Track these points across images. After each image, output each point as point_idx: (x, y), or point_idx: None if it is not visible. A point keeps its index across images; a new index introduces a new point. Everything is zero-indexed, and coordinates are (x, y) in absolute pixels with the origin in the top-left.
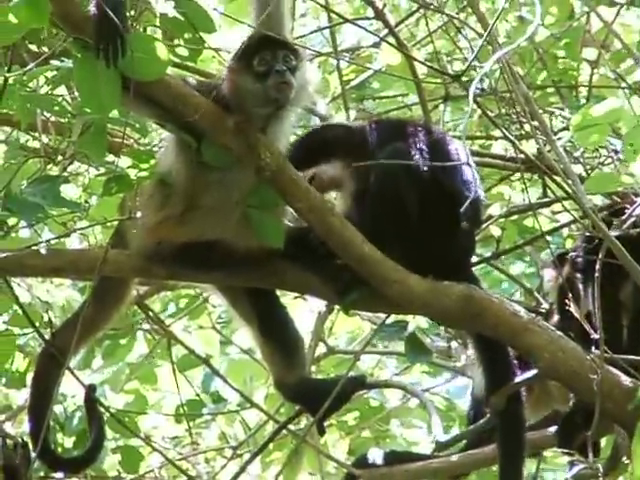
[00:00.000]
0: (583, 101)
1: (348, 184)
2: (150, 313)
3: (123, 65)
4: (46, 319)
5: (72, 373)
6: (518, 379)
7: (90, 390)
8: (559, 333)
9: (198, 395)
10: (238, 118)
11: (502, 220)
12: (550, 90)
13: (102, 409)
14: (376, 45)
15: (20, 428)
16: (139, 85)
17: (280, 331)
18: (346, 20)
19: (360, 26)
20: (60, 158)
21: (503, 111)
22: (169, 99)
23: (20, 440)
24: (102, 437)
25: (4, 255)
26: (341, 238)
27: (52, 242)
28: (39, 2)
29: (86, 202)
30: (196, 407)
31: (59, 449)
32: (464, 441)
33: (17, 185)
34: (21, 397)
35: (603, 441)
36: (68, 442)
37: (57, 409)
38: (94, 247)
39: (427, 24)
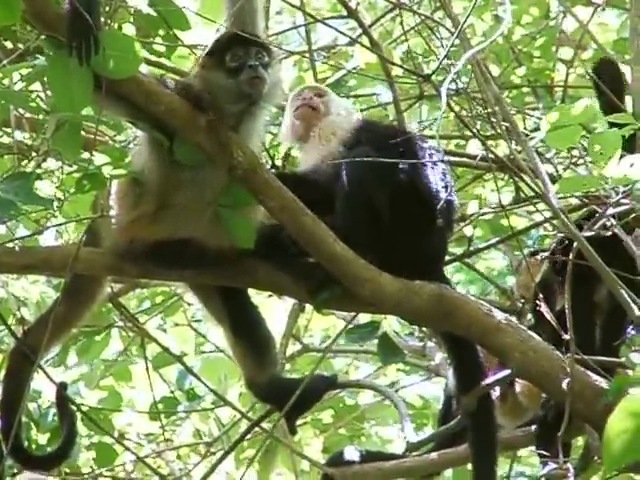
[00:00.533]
0: (559, 102)
1: None
2: (124, 311)
3: (95, 63)
4: (19, 316)
5: (43, 371)
6: (489, 380)
7: (61, 388)
8: (530, 333)
9: (172, 392)
10: (210, 116)
11: (475, 219)
12: (526, 90)
13: (74, 407)
14: (351, 43)
15: None
16: (111, 83)
17: (251, 331)
18: (318, 20)
19: (331, 26)
20: (34, 155)
21: (475, 112)
22: (141, 97)
23: None
24: (74, 434)
25: None
26: (313, 237)
27: (25, 239)
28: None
29: (59, 200)
30: (170, 404)
31: (33, 446)
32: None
33: None
34: None
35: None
36: (42, 439)
37: (31, 406)
38: (66, 244)
39: (402, 23)
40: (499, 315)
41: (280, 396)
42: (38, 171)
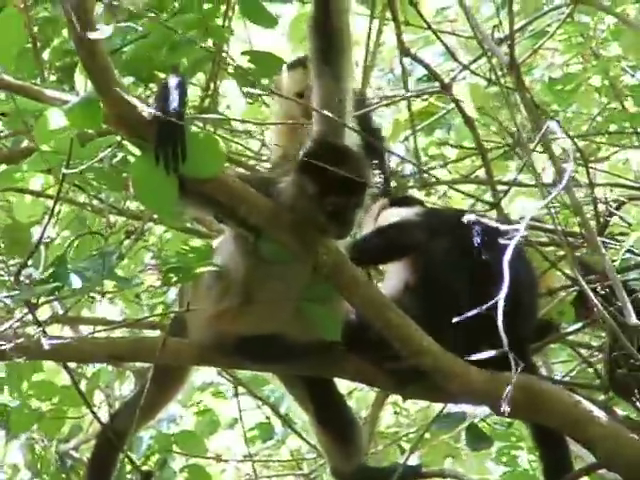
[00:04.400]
0: None
1: (402, 272)
2: None
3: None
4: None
5: (129, 459)
6: (576, 470)
7: (146, 477)
8: (617, 423)
9: (268, 418)
10: (295, 217)
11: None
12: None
13: None
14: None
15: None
16: (195, 182)
17: (336, 419)
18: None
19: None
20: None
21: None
22: (225, 196)
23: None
24: None
25: (63, 342)
26: (399, 332)
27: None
28: (92, 105)
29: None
30: (265, 430)
31: None
32: None
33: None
34: None
35: None
36: None
37: None
38: (152, 335)
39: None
40: (587, 405)
41: None
42: (120, 251)
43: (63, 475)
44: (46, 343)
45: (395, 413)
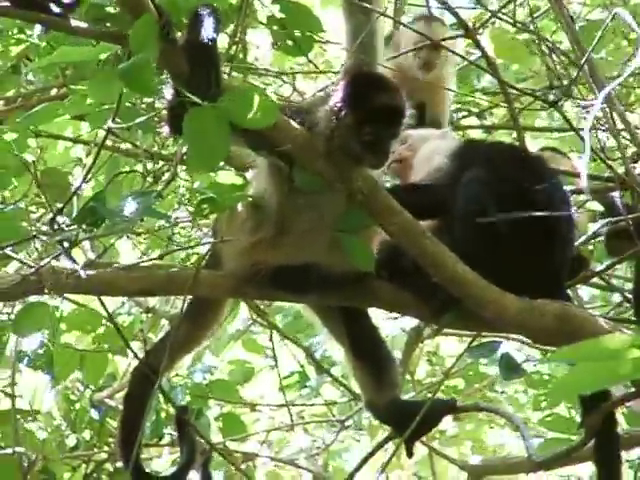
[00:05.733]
0: None
1: None
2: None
3: (234, 115)
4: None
5: (164, 394)
6: (614, 399)
7: (182, 412)
8: None
9: (302, 367)
10: (330, 146)
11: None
12: None
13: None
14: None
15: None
16: None
17: (371, 352)
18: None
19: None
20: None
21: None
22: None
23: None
24: (192, 459)
25: (99, 274)
26: (434, 259)
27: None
28: (146, 68)
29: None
30: (300, 378)
31: None
32: None
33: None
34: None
35: None
36: None
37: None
38: (186, 268)
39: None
40: (624, 332)
41: (400, 419)
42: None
43: (97, 424)
44: (83, 273)
45: (429, 362)
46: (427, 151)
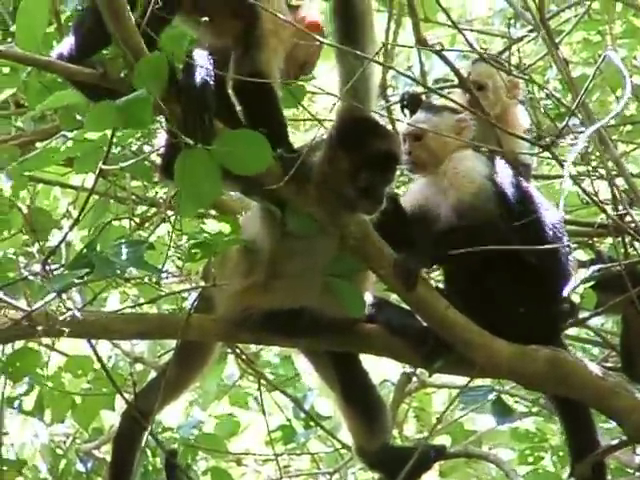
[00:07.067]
0: None
1: None
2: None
3: (225, 160)
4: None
5: (154, 439)
6: (603, 447)
7: (170, 455)
8: None
9: (289, 421)
10: (323, 191)
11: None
12: None
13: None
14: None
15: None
16: None
17: (362, 397)
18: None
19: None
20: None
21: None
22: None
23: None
24: None
25: (91, 320)
26: (424, 303)
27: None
28: (143, 104)
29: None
30: (287, 432)
31: None
32: None
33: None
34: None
35: None
36: None
37: None
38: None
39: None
40: (614, 378)
41: (391, 466)
42: (150, 240)
43: (84, 476)
44: (79, 314)
45: (416, 418)
46: (464, 168)
